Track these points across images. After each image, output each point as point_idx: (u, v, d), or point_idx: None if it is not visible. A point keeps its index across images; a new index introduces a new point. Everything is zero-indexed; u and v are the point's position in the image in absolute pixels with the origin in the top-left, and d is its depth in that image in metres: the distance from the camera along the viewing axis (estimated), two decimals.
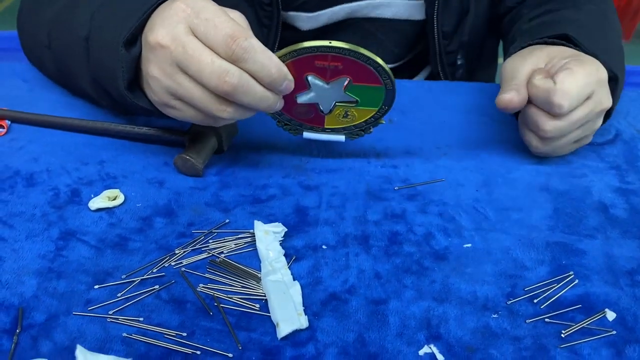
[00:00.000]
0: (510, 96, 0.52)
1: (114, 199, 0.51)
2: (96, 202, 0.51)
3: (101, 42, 0.51)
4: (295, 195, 0.53)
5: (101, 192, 0.52)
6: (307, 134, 0.56)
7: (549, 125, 0.52)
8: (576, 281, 0.46)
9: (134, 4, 0.50)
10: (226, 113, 0.46)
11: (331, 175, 0.56)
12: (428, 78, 0.80)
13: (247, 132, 0.60)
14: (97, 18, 0.52)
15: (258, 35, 0.54)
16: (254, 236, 0.48)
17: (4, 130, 0.60)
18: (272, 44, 0.69)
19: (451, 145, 0.60)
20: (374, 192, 0.54)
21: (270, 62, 0.44)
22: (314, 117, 0.54)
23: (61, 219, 0.50)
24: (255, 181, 0.55)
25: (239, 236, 0.49)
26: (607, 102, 0.53)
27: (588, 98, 0.52)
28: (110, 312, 0.42)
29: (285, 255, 0.47)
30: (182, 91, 0.46)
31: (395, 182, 0.55)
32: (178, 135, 0.57)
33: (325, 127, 0.55)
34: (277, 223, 0.49)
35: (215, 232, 0.49)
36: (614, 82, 0.56)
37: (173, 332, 0.41)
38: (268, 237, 0.48)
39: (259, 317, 0.42)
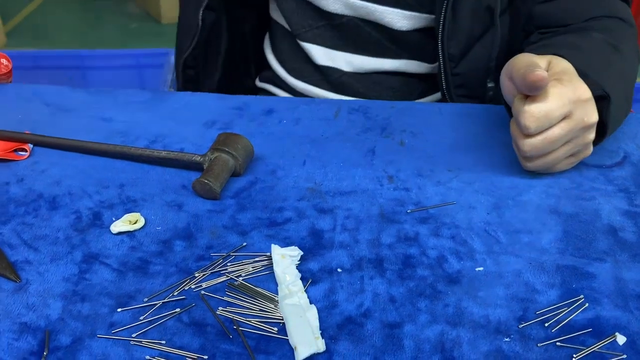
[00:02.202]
0: (543, 74, 0.51)
1: (135, 223, 0.53)
2: (118, 226, 0.52)
3: None
4: (311, 218, 0.55)
5: (122, 215, 0.54)
6: None
7: (525, 144, 0.54)
8: (586, 305, 0.47)
9: None
10: None
11: (345, 198, 0.57)
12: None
13: (263, 156, 0.62)
14: None
15: None
16: (271, 259, 0.49)
17: (27, 154, 0.62)
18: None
19: (462, 168, 0.61)
20: (387, 214, 0.55)
21: None
22: None
23: (84, 242, 0.52)
24: (271, 204, 0.56)
25: (256, 259, 0.50)
26: (592, 117, 0.55)
27: (566, 117, 0.53)
28: (134, 335, 0.44)
29: (301, 278, 0.48)
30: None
31: (407, 205, 0.56)
32: (196, 159, 0.58)
33: None
34: (293, 247, 0.50)
35: (233, 255, 0.51)
36: (607, 101, 0.57)
37: (195, 355, 0.42)
38: (285, 260, 0.49)
39: (277, 341, 0.44)
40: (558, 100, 0.52)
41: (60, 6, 3.20)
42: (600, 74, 0.58)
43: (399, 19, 0.74)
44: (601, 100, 0.56)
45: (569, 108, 0.53)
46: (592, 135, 0.56)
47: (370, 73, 0.79)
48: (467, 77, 0.74)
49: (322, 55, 0.79)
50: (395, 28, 0.75)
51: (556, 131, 0.53)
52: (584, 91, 0.54)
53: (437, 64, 0.75)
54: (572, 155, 0.57)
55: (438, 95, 0.81)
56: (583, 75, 0.56)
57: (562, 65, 0.56)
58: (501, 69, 0.59)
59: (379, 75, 0.79)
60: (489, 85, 0.76)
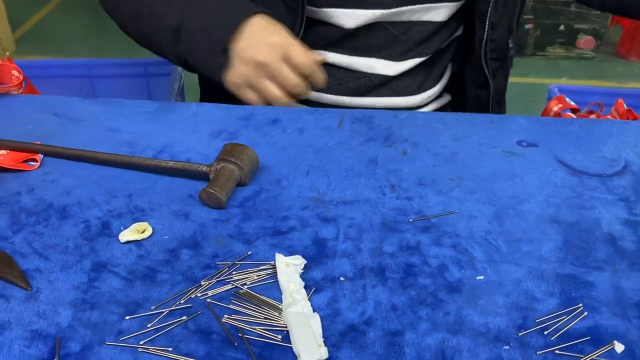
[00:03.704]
0: None
1: (143, 232, 0.54)
2: (126, 235, 0.53)
3: (196, 44, 0.71)
4: (314, 227, 0.56)
5: (130, 224, 0.55)
6: None
7: None
8: (585, 313, 0.47)
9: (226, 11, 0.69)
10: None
11: (348, 207, 0.58)
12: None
13: (268, 166, 0.63)
14: (190, 16, 0.70)
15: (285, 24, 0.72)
16: (275, 268, 0.50)
17: (37, 164, 0.63)
18: (297, 33, 0.77)
19: (463, 177, 0.62)
20: (390, 224, 0.56)
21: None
22: None
23: (93, 251, 0.53)
24: (276, 213, 0.57)
25: (261, 268, 0.51)
26: None
27: None
28: (141, 342, 0.45)
29: (305, 287, 0.49)
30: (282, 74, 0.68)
31: (409, 214, 0.57)
32: (202, 169, 0.60)
33: None
34: (297, 255, 0.52)
35: (238, 263, 0.52)
36: None
37: None
38: (289, 269, 0.50)
39: (281, 348, 0.45)
40: None
41: (68, 14, 3.23)
42: None
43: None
44: None
45: None
46: None
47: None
48: (498, 42, 0.82)
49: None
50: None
51: None
52: None
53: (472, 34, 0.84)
54: None
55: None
56: None
57: None
58: (517, 30, 0.68)
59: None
60: (510, 45, 0.84)
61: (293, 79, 0.68)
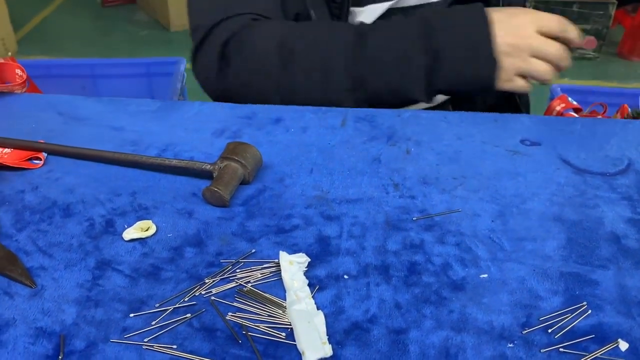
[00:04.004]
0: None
1: (147, 230, 0.54)
2: (130, 233, 0.54)
3: (455, 59, 0.69)
4: (318, 225, 0.56)
5: (134, 222, 0.55)
6: None
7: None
8: (589, 311, 0.47)
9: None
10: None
11: (351, 206, 0.58)
12: None
13: (271, 164, 0.63)
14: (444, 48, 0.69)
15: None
16: (279, 266, 0.51)
17: (41, 163, 0.64)
18: None
19: (467, 176, 0.62)
20: (393, 222, 0.56)
21: None
22: None
23: (97, 248, 0.53)
24: (279, 211, 0.57)
25: (265, 266, 0.51)
26: None
27: None
28: (146, 340, 0.45)
29: (309, 284, 0.49)
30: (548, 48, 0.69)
31: (413, 213, 0.57)
32: (206, 167, 0.60)
33: None
34: (301, 253, 0.52)
35: (242, 261, 0.52)
36: None
37: None
38: (293, 267, 0.50)
39: (285, 346, 0.45)
40: None
41: (70, 14, 3.24)
42: None
43: None
44: None
45: None
46: None
47: None
48: None
49: None
50: None
51: None
52: None
53: None
54: None
55: None
56: None
57: None
58: None
59: None
60: None
61: (557, 49, 0.68)
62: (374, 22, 0.76)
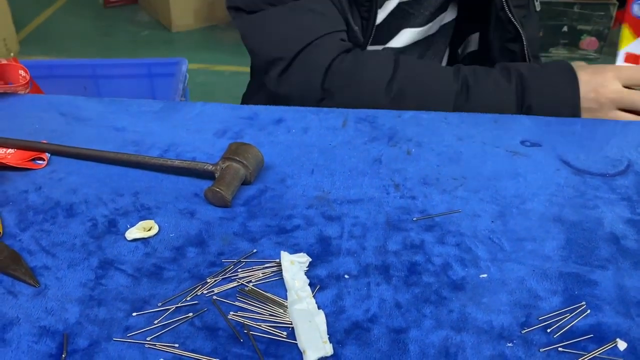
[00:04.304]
0: None
1: (149, 230, 0.54)
2: (132, 233, 0.54)
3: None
4: (319, 226, 0.56)
5: (136, 222, 0.56)
6: None
7: None
8: (588, 311, 0.48)
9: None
10: None
11: (352, 206, 0.58)
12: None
13: (272, 165, 0.64)
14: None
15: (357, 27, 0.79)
16: (280, 265, 0.51)
17: (44, 163, 0.64)
18: (368, 36, 0.81)
19: (467, 177, 0.62)
20: (394, 222, 0.57)
21: None
22: None
23: (100, 248, 0.53)
24: (281, 212, 0.58)
25: (266, 265, 0.52)
26: None
27: None
28: (148, 339, 0.45)
29: (310, 284, 0.50)
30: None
31: (413, 213, 0.58)
32: (208, 168, 0.60)
33: None
34: (302, 253, 0.52)
35: (243, 261, 0.52)
36: None
37: (207, 358, 0.44)
38: (294, 267, 0.51)
39: (287, 344, 0.45)
40: None
41: (72, 14, 3.25)
42: None
43: None
44: None
45: None
46: None
47: None
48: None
49: None
50: None
51: None
52: None
53: None
54: None
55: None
56: None
57: None
58: None
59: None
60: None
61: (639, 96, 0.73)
62: (474, 69, 0.78)
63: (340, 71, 0.76)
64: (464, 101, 0.75)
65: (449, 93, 0.75)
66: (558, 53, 2.75)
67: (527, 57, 0.88)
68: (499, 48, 0.89)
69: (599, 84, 0.73)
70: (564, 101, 0.73)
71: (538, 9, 0.89)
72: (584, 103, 0.73)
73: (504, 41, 0.87)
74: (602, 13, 2.64)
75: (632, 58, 0.86)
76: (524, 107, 0.75)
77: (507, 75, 0.76)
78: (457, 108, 0.75)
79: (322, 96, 0.77)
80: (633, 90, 0.73)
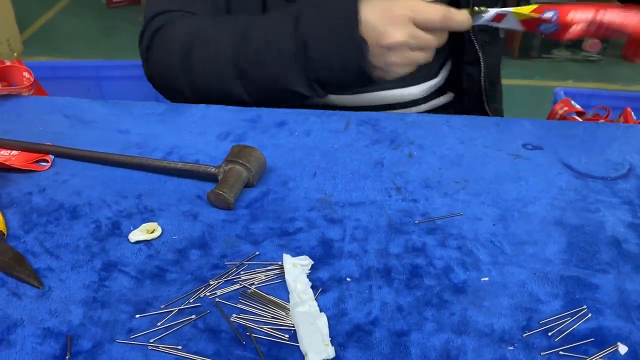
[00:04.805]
0: None
1: (152, 232, 0.55)
2: (136, 235, 0.54)
3: (323, 49, 0.68)
4: (321, 228, 0.56)
5: (140, 224, 0.56)
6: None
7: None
8: (589, 315, 0.48)
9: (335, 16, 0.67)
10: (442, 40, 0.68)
11: (354, 209, 0.59)
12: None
13: (275, 168, 0.64)
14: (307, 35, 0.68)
15: None
16: (283, 268, 0.51)
17: (48, 165, 0.64)
18: None
19: (469, 180, 0.63)
20: (395, 225, 0.57)
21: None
22: None
23: (103, 250, 0.54)
24: (283, 214, 0.58)
25: (268, 268, 0.52)
26: None
27: None
28: (151, 341, 0.45)
29: (311, 287, 0.50)
30: (419, 41, 0.66)
31: (415, 216, 0.58)
32: (210, 170, 0.60)
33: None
34: (304, 256, 0.52)
35: (246, 264, 0.52)
36: None
37: None
38: (296, 269, 0.51)
39: (289, 347, 0.45)
40: None
41: (75, 15, 3.26)
42: None
43: None
44: None
45: None
46: None
47: None
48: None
49: None
50: None
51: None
52: None
53: None
54: None
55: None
56: None
57: None
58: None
59: None
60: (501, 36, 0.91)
61: (433, 42, 0.67)
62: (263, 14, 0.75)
63: (159, 31, 0.76)
64: (242, 45, 0.70)
65: (231, 36, 0.71)
66: (560, 54, 2.75)
67: (483, 85, 0.86)
68: (455, 71, 0.88)
69: (386, 8, 0.65)
70: (342, 28, 0.66)
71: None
72: (370, 49, 0.66)
73: (467, 61, 0.85)
74: None
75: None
76: (300, 42, 0.68)
77: (285, 12, 0.70)
78: (238, 52, 0.71)
79: (146, 56, 0.78)
80: (418, 35, 0.66)
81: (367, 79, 0.69)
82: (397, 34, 0.65)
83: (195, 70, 0.74)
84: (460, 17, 0.67)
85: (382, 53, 0.66)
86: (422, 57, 0.68)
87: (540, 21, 0.67)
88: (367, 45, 0.66)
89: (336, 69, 0.69)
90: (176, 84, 0.76)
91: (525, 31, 0.72)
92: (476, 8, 0.69)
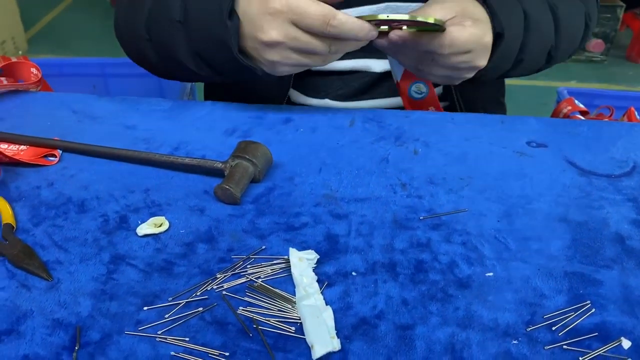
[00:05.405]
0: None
1: (160, 226, 0.55)
2: (143, 229, 0.55)
3: (201, 22, 0.63)
4: (326, 223, 0.57)
5: (147, 218, 0.57)
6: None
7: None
8: (593, 310, 0.48)
9: None
10: (334, 49, 0.61)
11: (359, 205, 0.59)
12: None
13: (281, 163, 0.64)
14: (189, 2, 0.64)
15: None
16: (289, 262, 0.52)
17: (56, 159, 0.65)
18: None
19: (473, 177, 0.63)
20: (400, 221, 0.57)
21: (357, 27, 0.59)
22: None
23: (111, 243, 0.54)
24: (289, 209, 0.58)
25: (275, 262, 0.53)
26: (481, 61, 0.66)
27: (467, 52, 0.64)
28: (159, 332, 0.46)
29: (317, 280, 0.50)
30: (300, 44, 0.60)
31: (420, 212, 0.58)
32: (217, 166, 0.61)
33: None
34: (310, 250, 0.53)
35: (252, 257, 0.53)
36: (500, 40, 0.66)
37: (216, 352, 0.44)
38: (302, 263, 0.51)
39: (295, 339, 0.46)
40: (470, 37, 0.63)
41: (80, 13, 3.27)
42: (509, 16, 0.67)
43: None
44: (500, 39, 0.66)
45: (473, 46, 0.64)
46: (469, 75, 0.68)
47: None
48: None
49: None
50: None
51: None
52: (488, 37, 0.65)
53: None
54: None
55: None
56: (493, 13, 0.65)
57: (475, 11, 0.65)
58: None
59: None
60: None
61: (320, 48, 0.60)
62: None
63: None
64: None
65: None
66: None
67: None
68: None
69: (258, 15, 0.60)
70: (220, 9, 0.61)
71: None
72: (248, 46, 0.62)
73: None
74: (609, 15, 2.63)
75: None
76: (184, 14, 0.65)
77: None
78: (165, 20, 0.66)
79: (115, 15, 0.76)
80: (296, 36, 0.59)
81: (249, 70, 0.64)
82: (273, 32, 0.59)
83: (160, 35, 0.69)
84: (349, 26, 0.58)
85: (260, 48, 0.61)
86: (310, 61, 0.62)
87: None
88: (240, 30, 0.62)
89: (212, 48, 0.64)
90: (141, 53, 0.74)
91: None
92: (384, 15, 0.60)
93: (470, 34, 0.62)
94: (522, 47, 0.69)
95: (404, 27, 0.63)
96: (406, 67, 0.72)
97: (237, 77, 0.69)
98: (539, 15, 0.70)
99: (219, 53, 0.64)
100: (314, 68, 0.78)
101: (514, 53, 0.69)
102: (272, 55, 0.61)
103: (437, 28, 0.62)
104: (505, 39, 0.66)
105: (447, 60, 0.64)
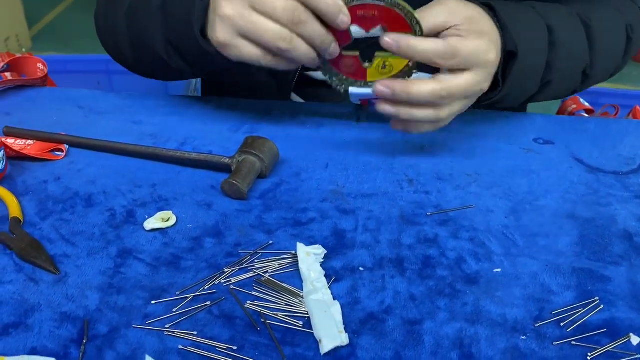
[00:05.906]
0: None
1: (167, 220, 0.55)
2: (151, 223, 0.55)
3: (177, 5, 0.61)
4: (333, 219, 0.57)
5: (154, 213, 0.57)
6: (352, 90, 0.59)
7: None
8: (601, 306, 0.48)
9: None
10: (292, 46, 0.52)
11: (366, 200, 0.59)
12: None
13: (288, 159, 0.64)
14: None
15: None
16: (296, 257, 0.52)
17: (63, 154, 0.65)
18: None
19: (480, 173, 0.63)
20: (408, 217, 0.57)
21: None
22: (357, 70, 0.58)
23: (118, 238, 0.54)
24: (296, 205, 0.58)
25: (282, 257, 0.52)
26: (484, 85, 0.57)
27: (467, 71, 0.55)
28: (167, 326, 0.46)
29: (325, 275, 0.50)
30: (252, 27, 0.53)
31: (427, 208, 0.58)
32: (224, 161, 0.61)
33: (368, 80, 0.58)
34: (317, 245, 0.53)
35: (260, 252, 0.53)
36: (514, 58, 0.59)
37: (224, 346, 0.44)
38: (309, 258, 0.51)
39: (303, 334, 0.46)
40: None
41: (84, 11, 3.27)
42: (521, 32, 0.59)
43: None
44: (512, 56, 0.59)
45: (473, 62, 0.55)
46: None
47: None
48: None
49: None
50: None
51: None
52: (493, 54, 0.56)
53: None
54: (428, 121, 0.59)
55: None
56: (503, 27, 0.58)
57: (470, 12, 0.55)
58: None
59: None
60: None
61: (269, 35, 0.53)
62: None
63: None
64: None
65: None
66: None
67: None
68: None
69: None
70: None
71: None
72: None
73: None
74: None
75: None
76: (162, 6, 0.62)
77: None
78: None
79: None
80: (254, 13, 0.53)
81: (213, 58, 0.59)
82: (228, 8, 0.53)
83: (139, 25, 0.67)
84: (324, 4, 0.51)
85: (213, 23, 0.56)
86: (264, 54, 0.54)
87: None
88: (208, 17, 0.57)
89: (181, 31, 0.60)
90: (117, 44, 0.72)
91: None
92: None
93: (473, 46, 0.54)
94: (548, 66, 0.61)
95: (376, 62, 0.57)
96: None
97: (204, 67, 0.65)
98: (567, 30, 0.62)
99: (185, 35, 0.60)
100: (314, 76, 0.77)
101: (538, 74, 0.62)
102: (221, 33, 0.54)
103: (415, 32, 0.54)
104: (520, 57, 0.58)
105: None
